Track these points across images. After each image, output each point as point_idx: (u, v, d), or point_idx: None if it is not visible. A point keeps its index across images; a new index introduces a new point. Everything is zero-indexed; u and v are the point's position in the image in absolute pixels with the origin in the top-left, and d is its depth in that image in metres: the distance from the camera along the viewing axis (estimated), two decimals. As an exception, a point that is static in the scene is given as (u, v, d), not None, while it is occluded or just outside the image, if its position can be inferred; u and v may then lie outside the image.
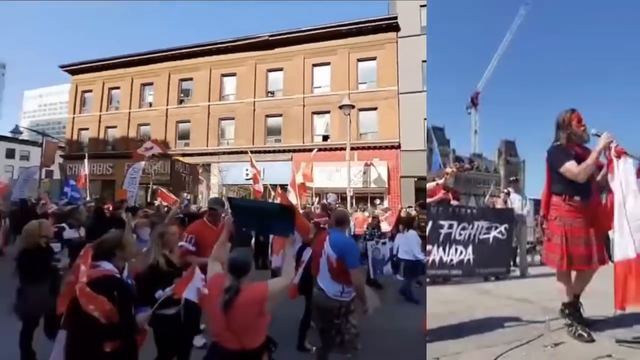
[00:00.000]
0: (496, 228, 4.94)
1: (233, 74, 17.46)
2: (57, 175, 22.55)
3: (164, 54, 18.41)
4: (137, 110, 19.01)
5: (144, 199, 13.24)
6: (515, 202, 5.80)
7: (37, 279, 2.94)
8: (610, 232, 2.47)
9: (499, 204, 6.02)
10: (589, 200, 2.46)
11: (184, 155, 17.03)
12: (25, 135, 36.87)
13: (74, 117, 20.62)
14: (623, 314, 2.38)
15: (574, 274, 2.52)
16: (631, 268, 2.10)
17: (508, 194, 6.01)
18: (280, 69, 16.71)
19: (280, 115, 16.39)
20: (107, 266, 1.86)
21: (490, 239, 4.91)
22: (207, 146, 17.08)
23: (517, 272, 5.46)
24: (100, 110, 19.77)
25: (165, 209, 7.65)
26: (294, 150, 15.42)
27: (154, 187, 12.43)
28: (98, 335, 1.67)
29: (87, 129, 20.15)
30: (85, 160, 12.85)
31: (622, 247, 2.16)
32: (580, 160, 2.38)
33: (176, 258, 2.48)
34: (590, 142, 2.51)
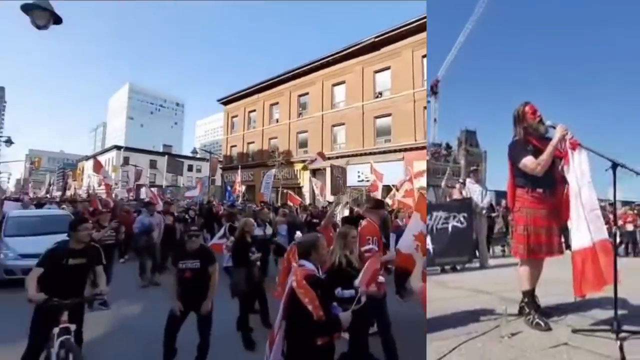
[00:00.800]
0: (454, 217, 4.93)
1: (342, 82, 18.59)
2: (218, 182, 29.96)
3: (285, 75, 21.52)
4: (268, 126, 22.97)
5: (275, 200, 15.88)
6: (475, 192, 5.58)
7: (241, 265, 3.60)
8: (568, 222, 2.43)
9: (455, 194, 5.89)
10: (553, 190, 2.50)
11: (303, 162, 19.39)
12: (190, 153, 50.76)
13: (227, 138, 26.91)
14: (580, 302, 2.49)
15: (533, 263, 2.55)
16: (588, 256, 2.17)
17: (463, 183, 5.89)
18: (388, 68, 16.61)
19: (389, 115, 16.27)
20: (308, 265, 1.95)
21: (449, 229, 4.89)
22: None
23: (477, 264, 5.31)
24: (243, 130, 25.00)
25: (296, 209, 9.04)
26: (405, 150, 14.99)
27: (284, 190, 14.73)
28: (311, 328, 1.73)
29: (235, 146, 25.90)
30: (239, 171, 16.52)
31: (579, 236, 2.22)
32: (539, 153, 2.42)
33: (355, 258, 2.60)
34: (550, 134, 2.50)
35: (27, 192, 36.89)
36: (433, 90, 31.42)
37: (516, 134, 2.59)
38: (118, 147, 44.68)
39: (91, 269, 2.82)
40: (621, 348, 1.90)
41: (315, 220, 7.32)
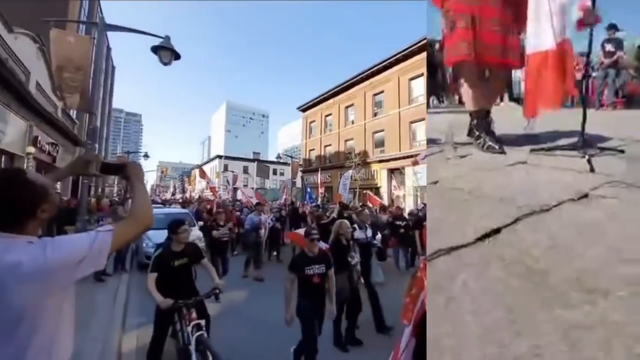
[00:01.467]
0: None
1: (420, 75, 17.45)
2: (298, 184, 32.02)
3: (360, 76, 21.50)
4: (344, 128, 23.36)
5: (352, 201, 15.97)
6: None
7: (342, 270, 3.35)
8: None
9: None
10: None
11: (380, 162, 18.94)
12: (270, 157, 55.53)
13: (305, 142, 28.54)
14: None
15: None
16: (547, 61, 1.74)
17: None
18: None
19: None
20: None
21: None
22: (399, 150, 18.06)
23: None
24: (321, 134, 26.08)
25: (375, 209, 8.93)
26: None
27: (362, 191, 14.70)
28: None
29: (313, 149, 27.23)
30: (318, 173, 17.33)
31: (539, 36, 1.76)
32: None
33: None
34: None
35: (158, 194, 47.09)
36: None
37: None
38: (220, 156, 52.62)
39: (193, 266, 2.95)
40: (589, 161, 1.73)
41: (398, 222, 7.08)
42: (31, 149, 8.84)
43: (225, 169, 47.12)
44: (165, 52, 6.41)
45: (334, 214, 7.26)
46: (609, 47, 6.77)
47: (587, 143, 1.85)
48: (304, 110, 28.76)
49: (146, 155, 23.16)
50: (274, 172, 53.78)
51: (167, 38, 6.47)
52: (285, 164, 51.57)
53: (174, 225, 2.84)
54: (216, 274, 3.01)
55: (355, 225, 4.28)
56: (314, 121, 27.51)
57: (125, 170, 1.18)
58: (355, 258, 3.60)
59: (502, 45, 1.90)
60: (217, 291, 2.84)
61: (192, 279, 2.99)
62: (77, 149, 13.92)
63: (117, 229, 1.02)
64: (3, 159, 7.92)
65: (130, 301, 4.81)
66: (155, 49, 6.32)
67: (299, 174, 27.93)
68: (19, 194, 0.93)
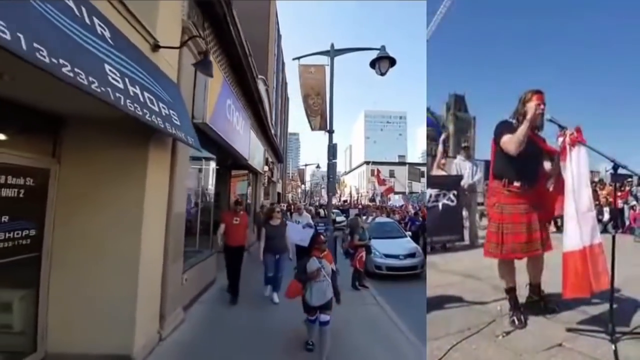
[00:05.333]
0: (445, 195, 5.06)
1: None
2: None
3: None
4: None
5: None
6: (466, 169, 5.65)
7: None
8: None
9: (452, 170, 5.84)
10: (534, 184, 2.40)
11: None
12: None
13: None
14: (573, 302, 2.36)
15: (524, 262, 2.51)
16: (577, 260, 2.11)
17: (446, 155, 6.12)
18: None
19: None
20: None
21: (440, 207, 5.03)
22: None
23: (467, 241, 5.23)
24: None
25: None
26: None
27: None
28: None
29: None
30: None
31: (570, 238, 2.16)
32: (530, 143, 2.26)
33: None
34: (545, 131, 2.42)
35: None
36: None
37: (513, 114, 2.42)
38: (367, 162, 54.62)
39: None
40: (615, 353, 1.91)
41: None
42: (265, 168, 11.53)
43: (372, 174, 48.28)
44: (384, 61, 6.36)
45: None
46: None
47: (614, 328, 2.04)
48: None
49: (318, 166, 26.78)
50: (422, 175, 50.64)
51: (383, 48, 6.40)
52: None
53: None
54: None
55: None
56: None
57: None
58: None
59: (531, 241, 2.32)
60: None
61: None
62: (280, 165, 17.37)
63: None
64: (250, 176, 10.49)
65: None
66: (373, 62, 6.40)
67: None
68: None
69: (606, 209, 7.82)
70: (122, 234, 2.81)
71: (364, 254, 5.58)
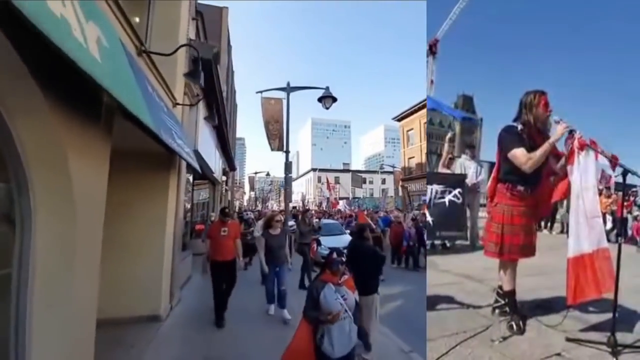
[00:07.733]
0: (450, 192, 5.08)
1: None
2: (391, 192, 32.29)
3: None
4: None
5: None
6: (470, 169, 5.63)
7: None
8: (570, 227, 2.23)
9: (457, 168, 5.79)
10: (535, 187, 2.37)
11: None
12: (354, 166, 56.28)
13: (404, 151, 28.82)
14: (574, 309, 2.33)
15: (524, 264, 2.46)
16: (586, 264, 2.08)
17: (453, 158, 6.02)
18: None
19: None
20: None
21: (446, 203, 5.05)
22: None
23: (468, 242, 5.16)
24: (420, 142, 26.01)
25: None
26: None
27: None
28: None
29: (413, 157, 27.28)
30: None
31: (577, 242, 2.11)
32: (533, 148, 2.22)
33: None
34: (552, 131, 2.29)
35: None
36: (432, 50, 25.44)
37: (517, 118, 2.36)
38: (314, 169, 57.27)
39: None
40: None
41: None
42: (224, 177, 12.69)
43: (319, 180, 51.02)
44: (328, 99, 8.37)
45: None
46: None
47: (616, 340, 2.00)
48: (399, 120, 29.21)
49: (268, 174, 27.84)
50: (364, 181, 55.17)
51: (327, 89, 8.41)
52: (373, 172, 52.19)
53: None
54: None
55: None
56: (412, 129, 27.63)
57: None
58: None
59: (526, 244, 2.34)
60: None
61: None
62: (232, 172, 18.29)
63: None
64: (209, 185, 11.55)
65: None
66: (320, 99, 8.36)
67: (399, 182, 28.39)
68: None
69: (609, 218, 7.55)
70: (154, 232, 4.09)
71: (315, 245, 7.38)
